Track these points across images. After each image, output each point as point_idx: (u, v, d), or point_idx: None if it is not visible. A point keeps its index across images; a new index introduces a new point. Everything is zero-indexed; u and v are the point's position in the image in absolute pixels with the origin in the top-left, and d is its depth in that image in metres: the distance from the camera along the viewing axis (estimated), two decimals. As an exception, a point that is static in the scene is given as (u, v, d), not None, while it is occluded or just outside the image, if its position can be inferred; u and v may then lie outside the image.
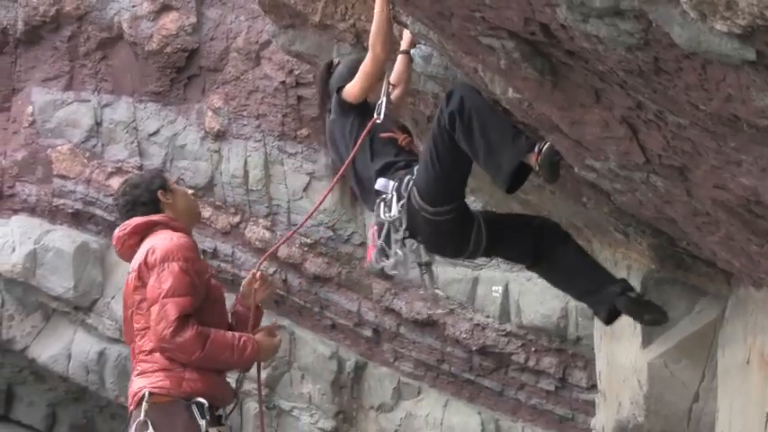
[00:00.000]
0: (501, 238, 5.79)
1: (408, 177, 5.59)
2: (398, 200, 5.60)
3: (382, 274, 12.56)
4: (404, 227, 5.63)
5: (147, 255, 5.75)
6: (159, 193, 6.00)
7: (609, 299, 5.54)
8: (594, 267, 5.82)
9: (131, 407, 5.82)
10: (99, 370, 14.23)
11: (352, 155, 5.85)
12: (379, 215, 5.73)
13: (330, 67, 6.49)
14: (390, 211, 5.64)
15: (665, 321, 5.65)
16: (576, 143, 4.56)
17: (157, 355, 5.70)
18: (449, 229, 5.67)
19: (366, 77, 5.92)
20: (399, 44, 6.29)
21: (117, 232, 6.12)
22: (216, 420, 5.81)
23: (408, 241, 5.71)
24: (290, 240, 13.06)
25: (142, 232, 5.95)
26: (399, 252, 5.70)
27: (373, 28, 5.88)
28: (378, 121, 5.82)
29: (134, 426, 5.71)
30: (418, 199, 5.52)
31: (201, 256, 6.20)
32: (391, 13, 5.83)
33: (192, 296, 5.70)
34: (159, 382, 5.69)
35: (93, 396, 15.00)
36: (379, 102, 5.87)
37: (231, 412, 6.01)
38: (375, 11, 5.89)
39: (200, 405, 5.67)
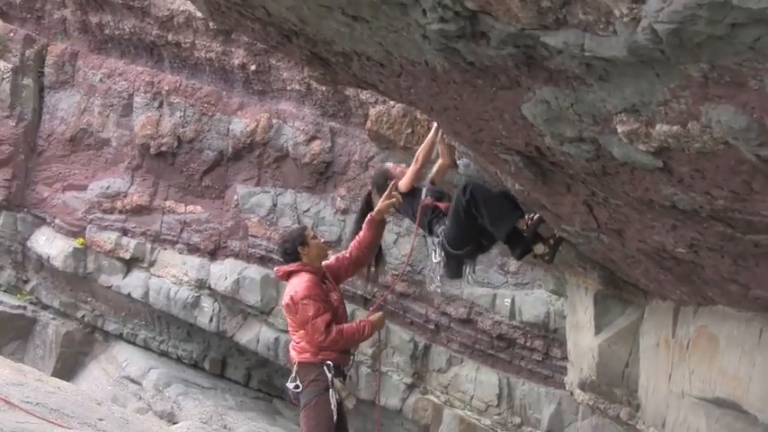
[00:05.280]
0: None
1: (439, 239, 5.74)
2: (438, 252, 5.77)
3: (438, 293, 12.52)
4: (443, 265, 5.80)
5: (293, 294, 5.83)
6: (299, 247, 6.03)
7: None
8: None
9: (292, 366, 6.01)
10: (275, 348, 14.20)
11: (417, 223, 5.98)
12: (430, 257, 5.97)
13: (370, 194, 6.66)
14: (435, 257, 5.82)
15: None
16: (556, 216, 4.55)
17: (303, 342, 5.81)
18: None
19: (412, 177, 6.11)
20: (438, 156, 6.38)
21: (276, 270, 6.22)
22: (341, 374, 5.90)
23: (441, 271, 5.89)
24: (387, 274, 13.09)
25: (289, 273, 6.03)
26: (439, 281, 5.96)
27: (423, 148, 6.07)
28: (424, 202, 5.97)
29: (291, 377, 5.90)
30: (447, 247, 5.67)
31: (325, 285, 6.02)
32: (437, 139, 5.95)
33: (327, 312, 5.78)
34: (304, 354, 5.83)
35: (272, 363, 14.97)
36: (425, 190, 6.04)
37: (350, 368, 6.06)
38: (427, 138, 6.05)
39: (328, 365, 5.76)
